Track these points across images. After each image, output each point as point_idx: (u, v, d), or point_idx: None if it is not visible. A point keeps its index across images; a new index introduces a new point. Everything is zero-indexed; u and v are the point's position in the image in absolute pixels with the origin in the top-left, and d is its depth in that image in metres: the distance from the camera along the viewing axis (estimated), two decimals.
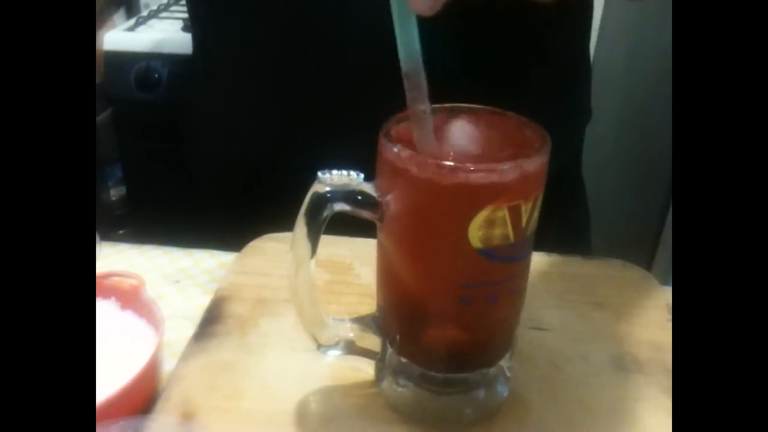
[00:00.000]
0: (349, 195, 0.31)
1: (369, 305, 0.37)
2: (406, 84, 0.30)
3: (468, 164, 0.28)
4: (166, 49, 1.26)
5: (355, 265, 0.49)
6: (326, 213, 0.30)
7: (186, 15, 1.39)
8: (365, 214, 0.31)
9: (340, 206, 0.31)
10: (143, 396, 0.36)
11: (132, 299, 0.41)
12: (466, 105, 0.33)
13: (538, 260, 0.50)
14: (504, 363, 0.36)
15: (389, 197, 0.30)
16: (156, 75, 1.25)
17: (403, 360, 0.35)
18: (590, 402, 0.37)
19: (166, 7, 1.47)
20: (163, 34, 1.32)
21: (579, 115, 0.61)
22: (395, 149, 0.29)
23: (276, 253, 0.49)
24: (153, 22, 1.38)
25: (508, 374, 0.37)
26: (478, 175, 0.28)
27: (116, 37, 1.28)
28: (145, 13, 1.42)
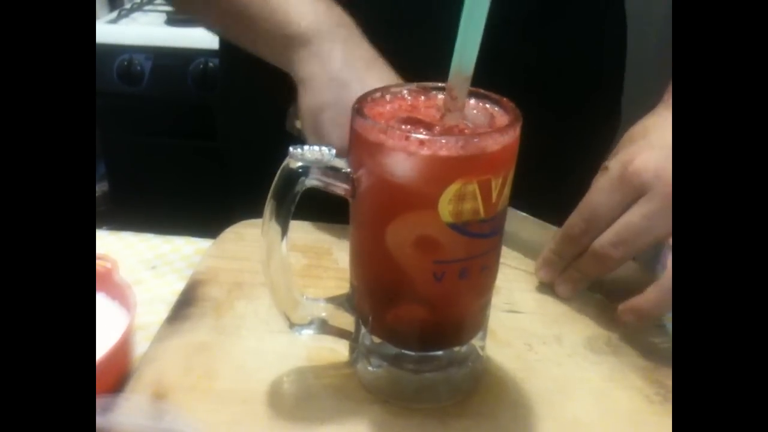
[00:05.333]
0: (321, 169, 0.30)
1: (347, 289, 0.37)
2: (447, 97, 0.30)
3: (438, 137, 0.28)
4: (150, 42, 1.25)
5: (333, 250, 0.49)
6: (298, 188, 0.30)
7: (170, 8, 1.38)
8: (338, 189, 0.31)
9: (312, 181, 0.31)
10: (114, 376, 0.36)
11: (105, 281, 0.40)
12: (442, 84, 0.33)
13: None
14: (476, 342, 0.36)
15: (361, 171, 0.30)
16: (139, 68, 1.24)
17: (377, 340, 0.35)
18: (564, 382, 0.38)
19: (149, 0, 1.46)
20: (146, 27, 1.31)
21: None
22: (366, 122, 0.29)
23: (254, 238, 0.49)
24: (136, 15, 1.37)
25: (481, 353, 0.37)
26: (447, 148, 0.28)
27: (99, 29, 1.27)
28: (128, 5, 1.41)
